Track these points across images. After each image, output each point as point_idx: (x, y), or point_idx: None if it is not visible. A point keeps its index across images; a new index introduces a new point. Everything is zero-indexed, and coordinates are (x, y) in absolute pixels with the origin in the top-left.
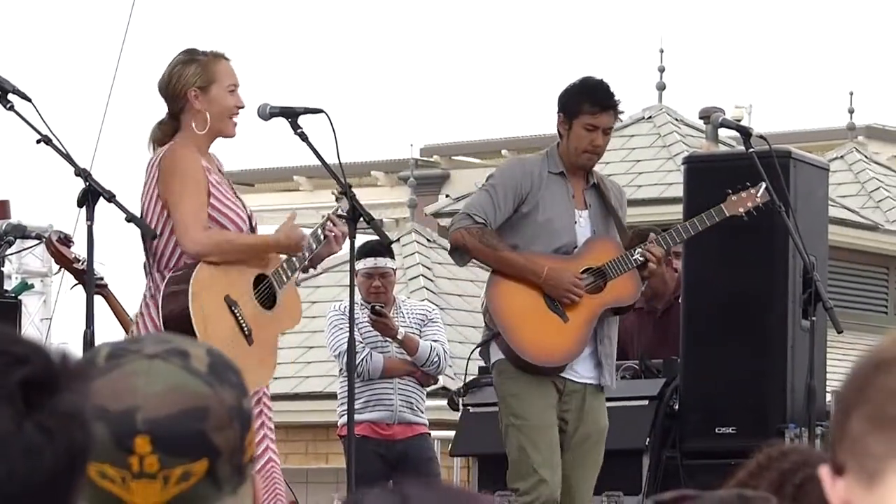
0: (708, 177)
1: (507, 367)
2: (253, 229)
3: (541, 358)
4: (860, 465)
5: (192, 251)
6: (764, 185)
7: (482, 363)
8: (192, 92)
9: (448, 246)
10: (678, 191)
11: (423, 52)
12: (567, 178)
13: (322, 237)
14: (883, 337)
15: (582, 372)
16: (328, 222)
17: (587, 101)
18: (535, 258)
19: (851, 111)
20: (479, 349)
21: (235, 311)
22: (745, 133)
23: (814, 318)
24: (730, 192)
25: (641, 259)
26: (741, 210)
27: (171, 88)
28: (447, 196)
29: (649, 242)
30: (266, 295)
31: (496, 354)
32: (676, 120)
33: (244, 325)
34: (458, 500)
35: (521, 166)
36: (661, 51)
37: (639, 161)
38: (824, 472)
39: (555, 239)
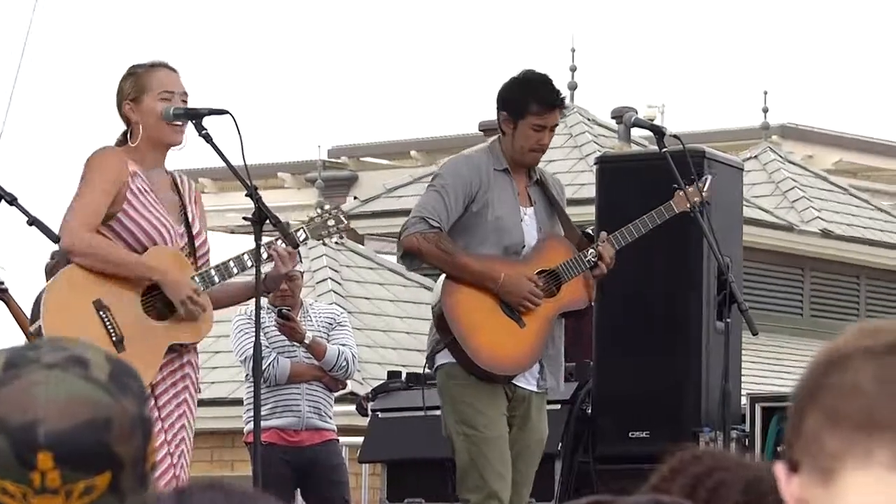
0: (621, 177)
1: (459, 373)
2: (194, 251)
3: (499, 366)
4: (815, 463)
5: (65, 243)
6: (710, 177)
7: (391, 367)
8: (127, 105)
9: (347, 247)
10: (591, 191)
11: (330, 52)
12: (511, 174)
13: (247, 263)
14: (839, 334)
15: (530, 378)
16: (269, 246)
17: (534, 102)
18: (491, 263)
19: (766, 110)
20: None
21: (104, 315)
22: (659, 133)
23: (728, 320)
24: (676, 187)
25: (594, 260)
26: (688, 206)
27: (117, 106)
28: (355, 198)
29: (601, 242)
30: (164, 303)
31: (444, 358)
32: (588, 120)
33: (114, 331)
34: (238, 500)
35: (469, 163)
36: (573, 50)
37: (551, 161)
38: (779, 469)
39: (504, 238)
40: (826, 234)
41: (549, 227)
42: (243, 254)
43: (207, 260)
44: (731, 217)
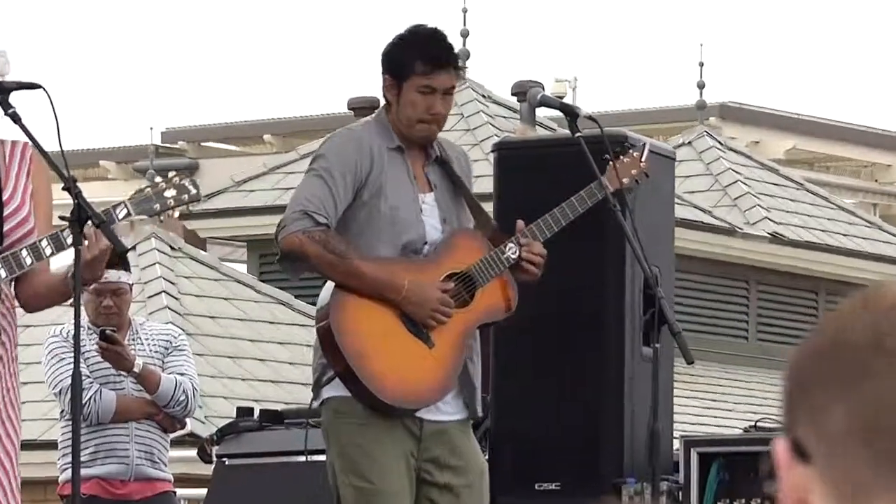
0: (524, 167)
1: (350, 408)
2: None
3: (405, 398)
4: (839, 475)
5: None
6: (647, 143)
7: (241, 402)
8: None
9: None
10: (487, 185)
11: (163, 19)
12: (405, 153)
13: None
14: (879, 286)
15: (444, 407)
16: (67, 231)
17: (419, 58)
18: (392, 268)
19: (701, 86)
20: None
21: None
22: (570, 113)
23: (657, 346)
24: (608, 157)
25: (514, 257)
26: (626, 181)
27: None
28: (185, 171)
29: (521, 235)
30: None
31: (334, 390)
32: (484, 97)
33: None
34: None
35: (356, 141)
36: (465, 10)
37: None
38: (780, 449)
39: (402, 233)
40: (776, 238)
41: (454, 218)
42: (61, 230)
43: (24, 236)
44: (661, 217)
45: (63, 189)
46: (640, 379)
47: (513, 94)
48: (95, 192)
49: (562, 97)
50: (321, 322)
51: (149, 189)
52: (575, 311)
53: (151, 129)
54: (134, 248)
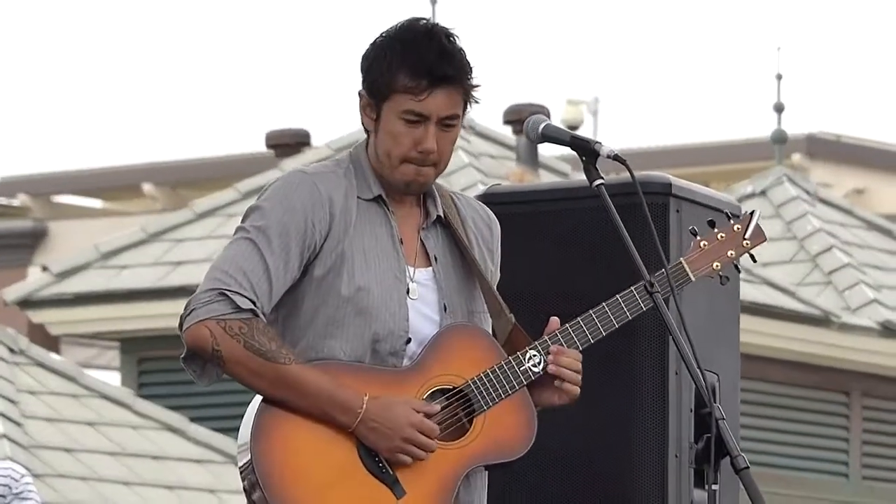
0: (520, 228)
1: None
2: None
3: None
4: None
5: None
6: (757, 213)
7: None
8: None
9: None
10: None
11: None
12: (388, 205)
13: None
14: None
15: None
16: None
17: (404, 68)
18: (350, 377)
19: (780, 109)
20: None
21: None
22: (586, 150)
23: (715, 487)
24: (695, 231)
25: (537, 371)
26: (717, 266)
27: None
28: (44, 269)
29: (550, 337)
30: None
31: None
32: (463, 127)
33: None
34: None
35: (310, 188)
36: (433, 1)
37: None
38: None
39: (371, 324)
40: (889, 330)
41: (460, 307)
42: None
43: None
44: (721, 301)
45: None
46: None
47: (506, 124)
48: None
49: (575, 127)
50: (241, 453)
51: None
52: (598, 437)
53: None
54: None
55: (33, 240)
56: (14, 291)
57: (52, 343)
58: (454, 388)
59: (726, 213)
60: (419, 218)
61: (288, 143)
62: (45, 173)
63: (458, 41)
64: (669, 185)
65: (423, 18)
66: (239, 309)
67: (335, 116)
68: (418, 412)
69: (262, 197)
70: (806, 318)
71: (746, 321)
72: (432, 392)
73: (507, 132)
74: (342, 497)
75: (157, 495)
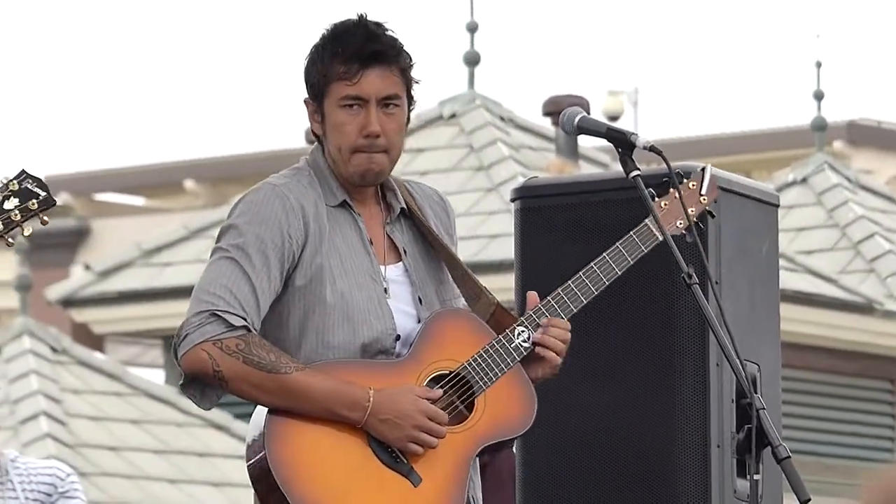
0: (558, 221)
1: None
2: None
3: None
4: None
5: None
6: (709, 168)
7: None
8: None
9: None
10: (504, 247)
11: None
12: (353, 208)
13: None
14: None
15: None
16: None
17: (335, 56)
18: (349, 375)
19: (820, 97)
20: None
21: None
22: (622, 142)
23: (757, 477)
24: (653, 193)
25: (528, 345)
26: (680, 224)
27: None
28: (87, 267)
29: (535, 309)
30: None
31: None
32: (502, 120)
33: None
34: None
35: (281, 200)
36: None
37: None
38: None
39: (359, 328)
40: None
41: (433, 295)
42: None
43: None
44: (761, 290)
45: None
46: None
47: (545, 116)
48: None
49: (616, 118)
50: (254, 457)
51: None
52: (638, 428)
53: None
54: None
55: (76, 238)
56: (57, 291)
57: (96, 342)
58: (451, 372)
59: (679, 173)
60: (382, 214)
61: None
62: (87, 171)
63: (387, 28)
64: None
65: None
66: (232, 327)
67: None
68: (423, 399)
69: (233, 214)
70: (848, 305)
71: (788, 310)
72: (430, 379)
73: (546, 124)
74: (362, 493)
75: (202, 492)
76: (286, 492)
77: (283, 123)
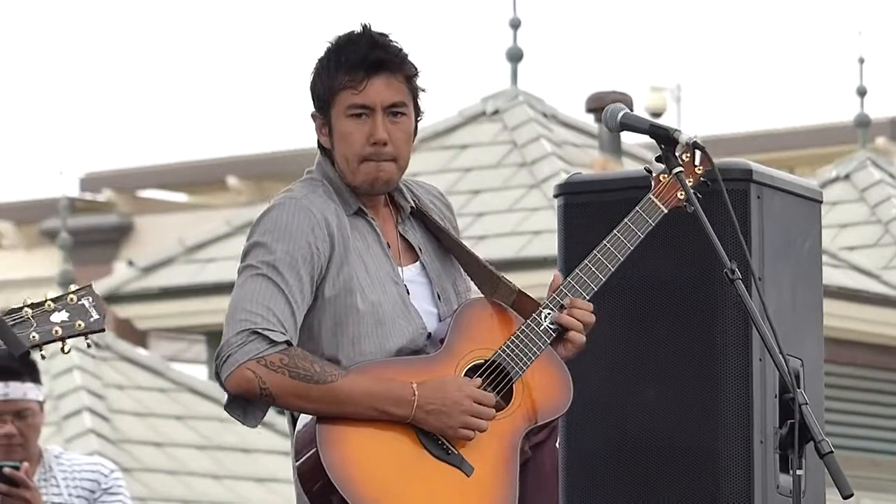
0: (601, 217)
1: None
2: None
3: None
4: None
5: None
6: (695, 136)
7: None
8: None
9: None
10: (547, 244)
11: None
12: (368, 215)
13: None
14: None
15: None
16: None
17: (339, 67)
18: (388, 373)
19: (863, 93)
20: None
21: None
22: (665, 138)
23: (800, 472)
24: (649, 169)
25: (556, 327)
26: (681, 196)
27: None
28: (130, 263)
29: (558, 291)
30: None
31: None
32: (545, 116)
33: None
34: None
35: (306, 214)
36: None
37: (478, 192)
38: None
39: (391, 335)
40: None
41: (451, 290)
42: None
43: None
44: (804, 286)
45: None
46: None
47: (588, 112)
48: None
49: (659, 114)
50: (304, 454)
51: (28, 308)
52: (681, 424)
53: (63, 175)
54: (40, 346)
55: (119, 235)
56: (100, 287)
57: (139, 338)
58: (486, 360)
59: (670, 148)
60: (393, 215)
61: None
62: (130, 168)
63: (391, 38)
64: (750, 171)
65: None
66: (274, 343)
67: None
68: (467, 387)
69: (258, 231)
70: (891, 301)
71: (831, 305)
72: (467, 369)
73: (589, 120)
74: (419, 488)
75: (246, 488)
76: (344, 493)
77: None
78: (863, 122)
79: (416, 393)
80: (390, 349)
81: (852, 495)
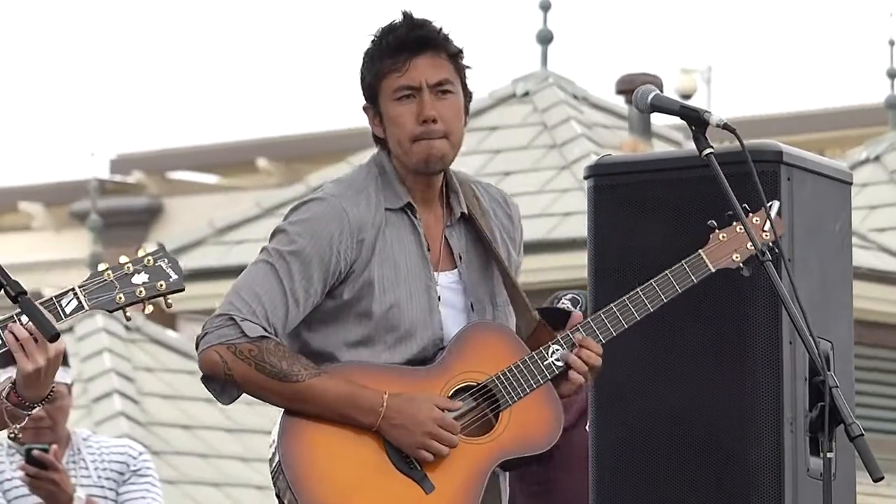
0: (631, 199)
1: None
2: None
3: None
4: None
5: None
6: (776, 204)
7: None
8: None
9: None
10: (577, 225)
11: (103, 12)
12: (415, 212)
13: None
14: None
15: None
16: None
17: (383, 52)
18: (370, 379)
19: (893, 75)
20: None
21: None
22: (696, 120)
23: (830, 455)
24: (714, 224)
25: (561, 364)
26: (736, 258)
27: None
28: (159, 245)
29: (573, 331)
30: None
31: None
32: (575, 98)
33: None
34: None
35: (338, 214)
36: None
37: (508, 174)
38: None
39: (404, 340)
40: None
41: (486, 303)
42: None
43: None
44: (834, 268)
45: None
46: (808, 503)
47: (618, 94)
48: (14, 249)
49: (689, 96)
50: (273, 456)
51: (109, 271)
52: (709, 409)
53: (94, 157)
54: (72, 329)
55: (149, 216)
56: None
57: (169, 320)
58: (478, 384)
59: (745, 207)
60: (443, 217)
61: None
62: (160, 150)
63: (431, 21)
64: (780, 152)
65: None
66: (244, 335)
67: None
68: (441, 408)
69: (290, 218)
70: None
71: (860, 287)
72: (456, 389)
73: (619, 102)
74: (372, 494)
75: None
76: (294, 490)
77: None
78: (893, 104)
79: (385, 404)
80: (400, 352)
81: (882, 478)
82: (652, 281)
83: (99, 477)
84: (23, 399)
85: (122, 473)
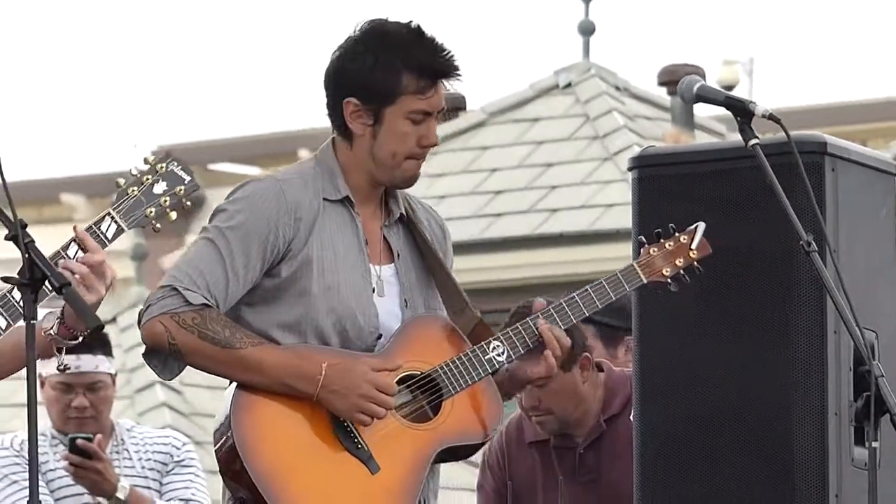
0: (675, 190)
1: None
2: None
3: None
4: None
5: None
6: (701, 226)
7: None
8: None
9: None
10: (620, 216)
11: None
12: (354, 206)
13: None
14: None
15: None
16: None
17: (411, 70)
18: (310, 352)
19: None
20: None
21: None
22: (741, 111)
23: (875, 444)
24: (643, 240)
25: (501, 360)
26: (666, 273)
27: None
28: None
29: (513, 328)
30: None
31: None
32: (618, 89)
33: None
34: None
35: (276, 195)
36: None
37: (550, 165)
38: None
39: (342, 321)
40: None
41: (419, 300)
42: (9, 291)
43: None
44: (879, 258)
45: (6, 238)
46: (853, 493)
47: (660, 85)
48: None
49: (731, 87)
50: (217, 431)
51: (134, 188)
52: (755, 400)
53: (136, 148)
54: (114, 320)
55: (191, 208)
56: (172, 260)
57: None
58: (421, 374)
59: (671, 227)
60: (381, 216)
61: (450, 107)
62: (202, 141)
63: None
64: (825, 143)
65: (392, 20)
66: (188, 302)
67: (490, 80)
68: (377, 371)
69: (230, 198)
70: None
71: None
72: (400, 378)
73: (662, 93)
74: (315, 470)
75: None
76: (245, 464)
77: None
78: None
79: (324, 372)
80: (338, 336)
81: None
82: (588, 286)
83: (143, 467)
84: (73, 330)
85: (165, 464)
